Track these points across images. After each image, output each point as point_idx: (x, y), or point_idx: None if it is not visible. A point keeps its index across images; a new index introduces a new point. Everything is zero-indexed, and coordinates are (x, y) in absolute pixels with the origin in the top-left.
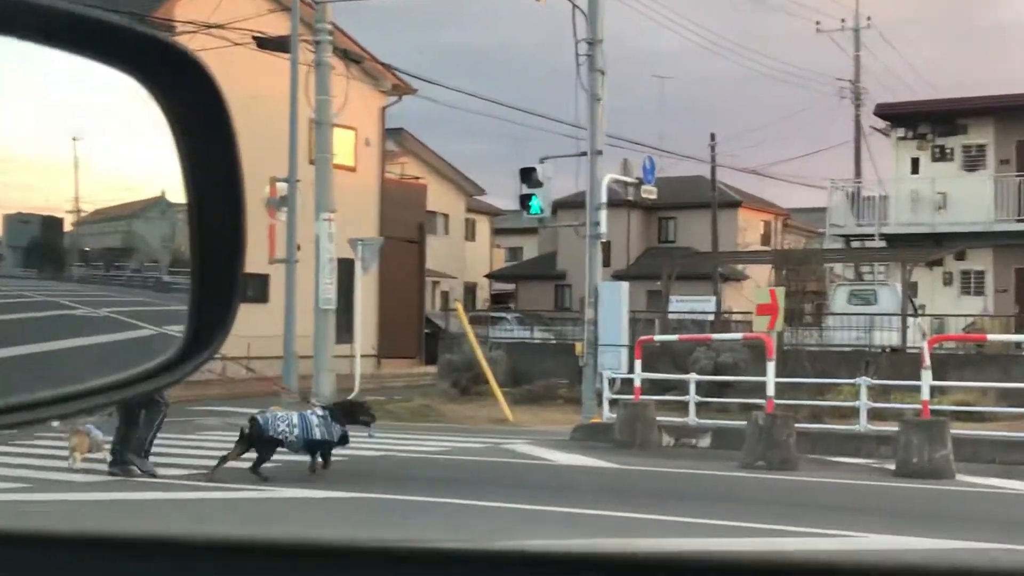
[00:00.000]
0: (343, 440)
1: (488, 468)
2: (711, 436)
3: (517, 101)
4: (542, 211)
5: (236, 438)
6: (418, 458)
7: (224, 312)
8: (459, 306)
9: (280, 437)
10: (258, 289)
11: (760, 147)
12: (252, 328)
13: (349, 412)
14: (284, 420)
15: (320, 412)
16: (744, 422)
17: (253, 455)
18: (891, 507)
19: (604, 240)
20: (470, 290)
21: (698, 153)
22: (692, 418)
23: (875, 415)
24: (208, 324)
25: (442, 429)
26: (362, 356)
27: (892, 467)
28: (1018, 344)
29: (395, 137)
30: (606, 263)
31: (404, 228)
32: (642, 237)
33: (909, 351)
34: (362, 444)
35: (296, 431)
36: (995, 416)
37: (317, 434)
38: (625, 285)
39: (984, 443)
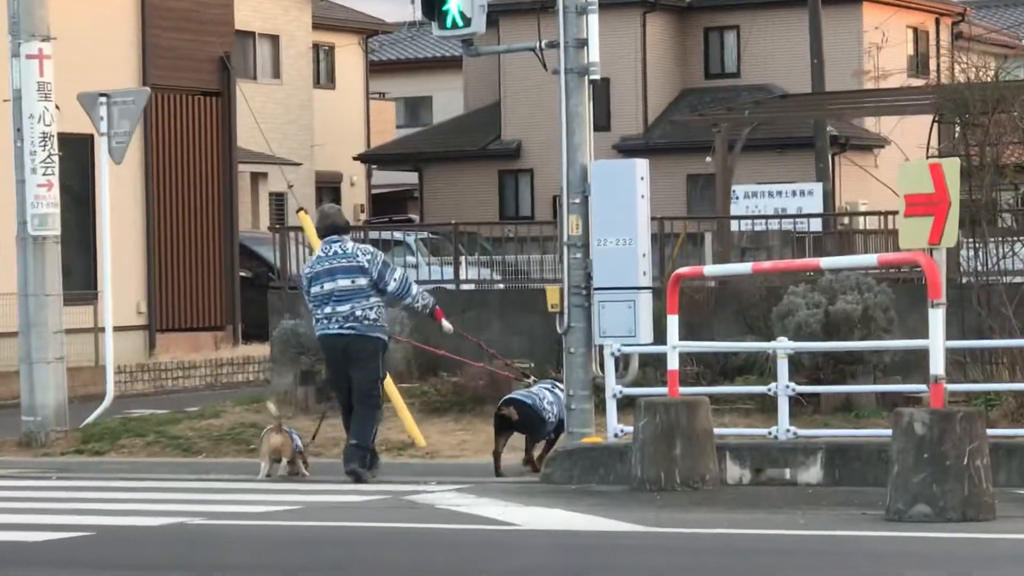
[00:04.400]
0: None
1: (379, 544)
2: (822, 461)
3: None
4: (468, 21)
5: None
6: (240, 528)
7: None
8: (305, 218)
9: (547, 418)
10: None
11: None
12: None
13: None
14: (544, 397)
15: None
16: (886, 431)
17: None
18: None
19: (597, 77)
20: (328, 187)
21: None
22: (784, 427)
23: None
24: None
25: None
26: (118, 330)
27: None
28: None
29: None
30: (602, 123)
31: (191, 69)
32: (673, 69)
33: None
34: (143, 503)
35: (555, 409)
36: None
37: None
38: (643, 165)
39: None
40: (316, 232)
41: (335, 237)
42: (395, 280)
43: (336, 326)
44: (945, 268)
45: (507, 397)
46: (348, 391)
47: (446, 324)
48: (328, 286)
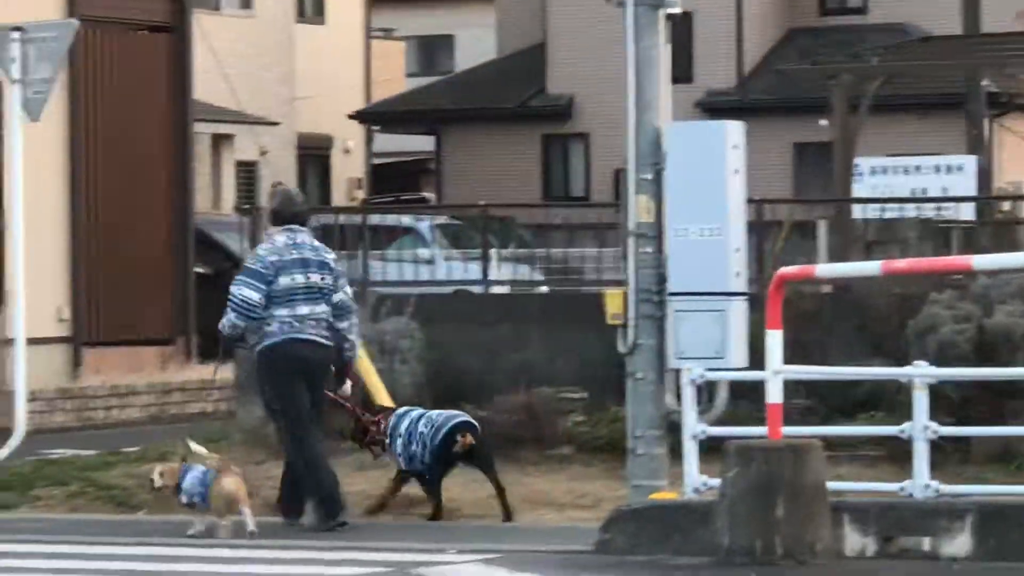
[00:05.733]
0: None
1: None
2: (972, 528)
3: None
4: None
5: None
6: None
7: None
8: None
9: None
10: None
11: None
12: None
13: None
14: None
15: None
16: None
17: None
18: None
19: (676, 11)
20: (314, 155)
21: None
22: (922, 482)
23: None
24: None
25: (262, 535)
26: (33, 343)
27: None
28: None
29: None
30: (683, 74)
31: None
32: (778, 2)
33: None
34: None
35: None
36: None
37: None
38: (736, 129)
39: None
40: (274, 218)
41: (298, 227)
42: (346, 293)
43: (312, 331)
44: None
45: (460, 421)
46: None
47: (348, 387)
48: (300, 279)
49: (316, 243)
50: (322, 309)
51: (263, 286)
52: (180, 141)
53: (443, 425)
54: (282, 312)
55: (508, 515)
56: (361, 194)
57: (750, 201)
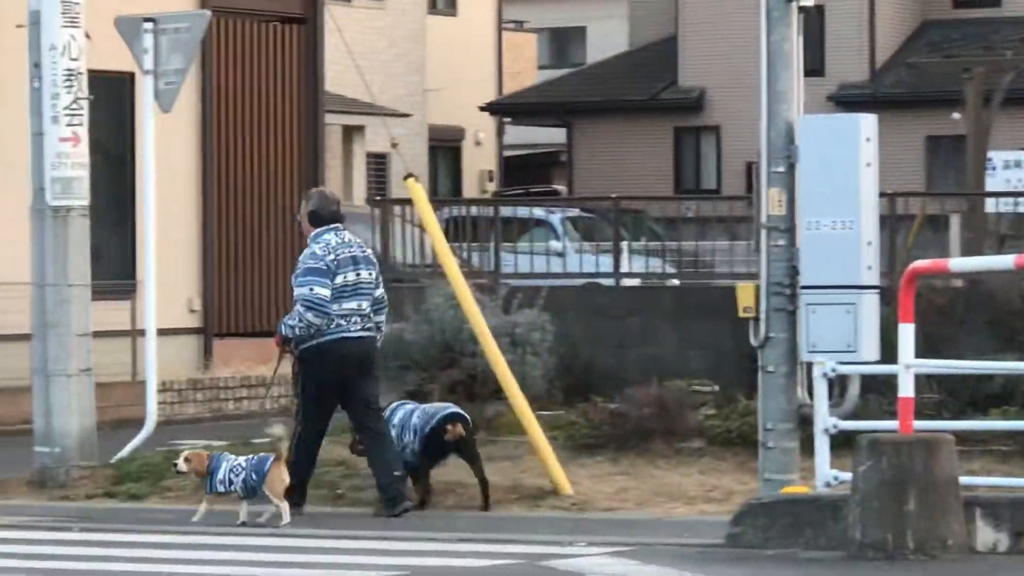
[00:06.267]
0: None
1: None
2: None
3: None
4: None
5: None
6: None
7: None
8: (415, 187)
9: None
10: None
11: None
12: None
13: None
14: None
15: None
16: None
17: None
18: None
19: (809, 3)
20: (446, 147)
21: None
22: None
23: None
24: None
25: (389, 524)
26: (164, 333)
27: None
28: None
29: None
30: (815, 67)
31: None
32: None
33: None
34: (193, 565)
35: None
36: None
37: None
38: (869, 123)
39: None
40: (313, 219)
41: (339, 226)
42: (382, 287)
43: (359, 328)
44: None
45: (451, 412)
46: (329, 415)
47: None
48: (352, 277)
49: (358, 239)
50: (366, 304)
51: (330, 283)
52: (311, 132)
53: (434, 415)
54: (335, 308)
55: (486, 505)
56: (492, 186)
57: (882, 194)
